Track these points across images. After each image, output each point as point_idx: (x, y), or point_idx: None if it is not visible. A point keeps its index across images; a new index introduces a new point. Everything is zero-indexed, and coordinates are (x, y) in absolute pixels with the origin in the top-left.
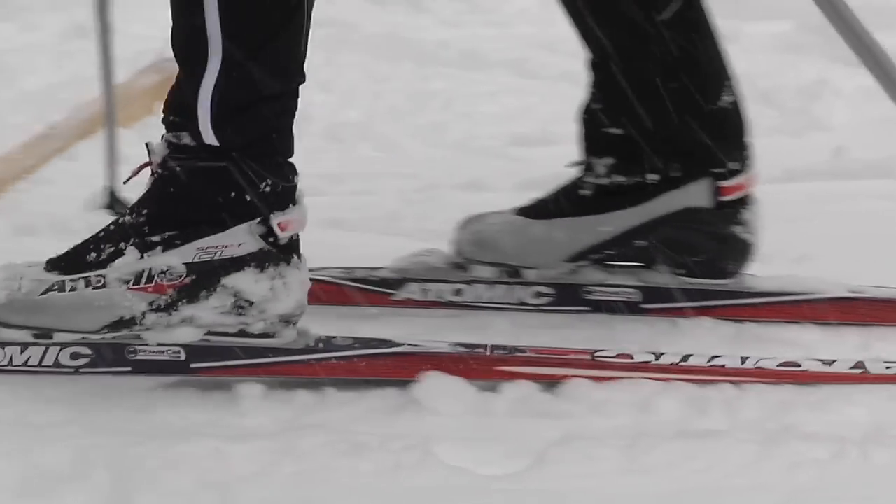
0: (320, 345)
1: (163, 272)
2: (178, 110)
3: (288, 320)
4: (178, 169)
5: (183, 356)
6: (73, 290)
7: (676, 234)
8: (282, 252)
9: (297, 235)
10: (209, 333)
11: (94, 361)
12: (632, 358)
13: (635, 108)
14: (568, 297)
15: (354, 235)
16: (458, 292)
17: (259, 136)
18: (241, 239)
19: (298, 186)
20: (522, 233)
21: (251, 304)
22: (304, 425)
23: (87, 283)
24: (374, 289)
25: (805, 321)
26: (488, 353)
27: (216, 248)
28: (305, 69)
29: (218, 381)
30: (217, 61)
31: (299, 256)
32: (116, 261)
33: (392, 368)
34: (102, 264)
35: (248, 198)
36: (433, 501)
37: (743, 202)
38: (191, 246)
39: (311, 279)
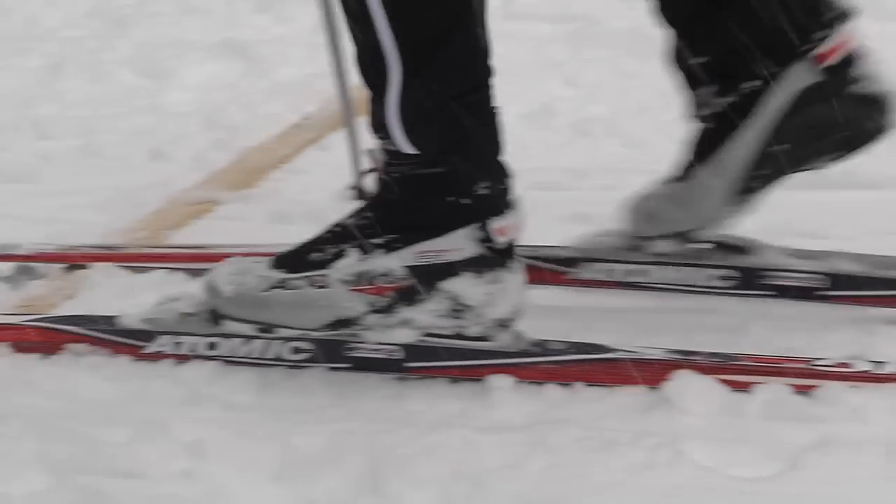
0: (535, 348)
1: (383, 275)
2: (378, 129)
3: (504, 324)
4: (396, 176)
5: (400, 355)
6: (296, 288)
7: (807, 119)
8: (500, 256)
9: (514, 240)
10: (426, 334)
11: (314, 356)
12: (849, 367)
13: (706, 25)
14: (750, 281)
15: (574, 228)
16: (644, 273)
17: (457, 138)
18: (459, 244)
19: (514, 191)
20: (683, 196)
21: (468, 307)
22: (554, 419)
23: (311, 283)
24: (561, 268)
25: None
26: (702, 361)
27: (435, 252)
28: (495, 63)
29: None
30: (397, 75)
31: (517, 261)
32: (339, 262)
33: (605, 374)
34: (325, 264)
35: (465, 202)
36: (686, 501)
37: (850, 60)
38: (410, 250)
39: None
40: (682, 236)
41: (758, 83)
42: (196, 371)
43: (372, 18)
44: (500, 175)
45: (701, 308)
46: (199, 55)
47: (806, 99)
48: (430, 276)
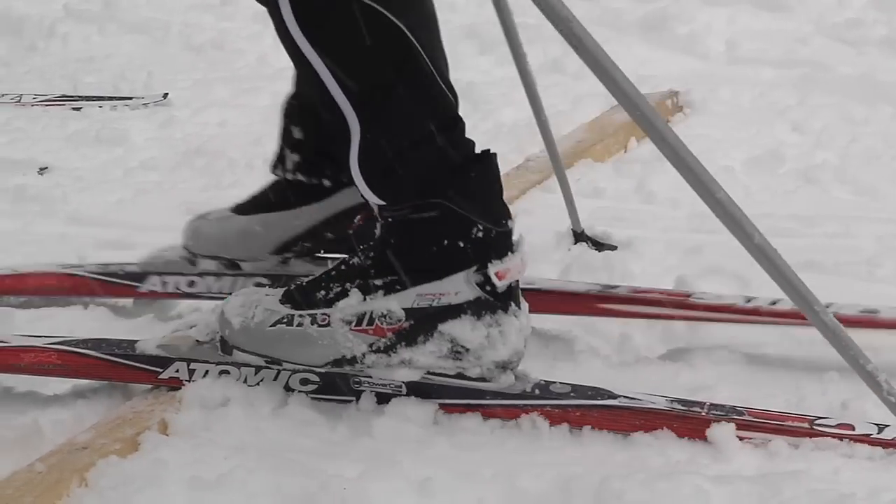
0: (536, 391)
1: (383, 315)
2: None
3: (504, 367)
4: (390, 220)
5: (404, 391)
6: (299, 325)
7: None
8: (499, 300)
9: (517, 282)
10: (428, 373)
11: (321, 388)
12: (853, 429)
13: (315, 116)
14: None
15: (829, 279)
16: (191, 284)
17: (431, 183)
18: (458, 287)
19: (515, 231)
20: (229, 227)
21: (467, 350)
22: (785, 471)
23: (313, 321)
24: (123, 282)
25: None
26: (704, 413)
27: (434, 295)
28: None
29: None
30: (357, 128)
31: (518, 304)
32: (341, 301)
33: (605, 420)
34: (329, 303)
35: (462, 246)
36: None
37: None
38: (410, 292)
39: None
40: (224, 260)
41: (330, 185)
42: (425, 410)
43: (321, 77)
44: (497, 218)
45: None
46: None
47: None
48: (429, 319)
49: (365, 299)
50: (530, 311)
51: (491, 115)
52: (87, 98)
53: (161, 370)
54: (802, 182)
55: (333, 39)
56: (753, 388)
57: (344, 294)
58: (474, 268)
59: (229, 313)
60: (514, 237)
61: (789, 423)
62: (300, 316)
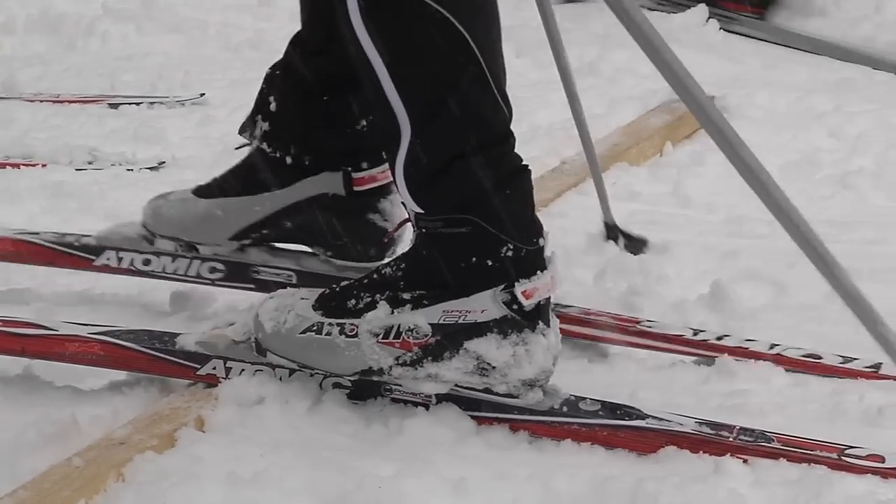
0: (564, 408)
1: (410, 329)
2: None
3: (532, 385)
4: (423, 232)
5: (434, 402)
6: (328, 334)
7: (316, 217)
8: (526, 319)
9: (547, 300)
10: (457, 386)
11: (354, 392)
12: (883, 461)
13: (295, 93)
14: (238, 274)
15: (865, 285)
16: (146, 262)
17: (466, 199)
18: (484, 305)
19: (548, 248)
20: (189, 209)
21: (493, 367)
22: (821, 476)
23: (342, 330)
24: (78, 254)
25: None
26: (732, 439)
27: (460, 312)
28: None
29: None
30: (408, 132)
31: (547, 322)
32: (369, 313)
33: (632, 441)
34: (358, 313)
35: (490, 264)
36: None
37: (379, 192)
38: (437, 308)
39: None
40: (181, 241)
41: (293, 164)
42: (454, 410)
43: (377, 75)
44: (528, 236)
45: None
46: None
47: (326, 202)
48: (455, 335)
49: (393, 312)
50: None
51: (526, 118)
52: (125, 96)
53: (199, 366)
54: (839, 188)
55: (397, 39)
56: (788, 395)
57: (373, 305)
58: (501, 286)
59: (263, 316)
60: (547, 254)
61: (818, 451)
62: (329, 325)
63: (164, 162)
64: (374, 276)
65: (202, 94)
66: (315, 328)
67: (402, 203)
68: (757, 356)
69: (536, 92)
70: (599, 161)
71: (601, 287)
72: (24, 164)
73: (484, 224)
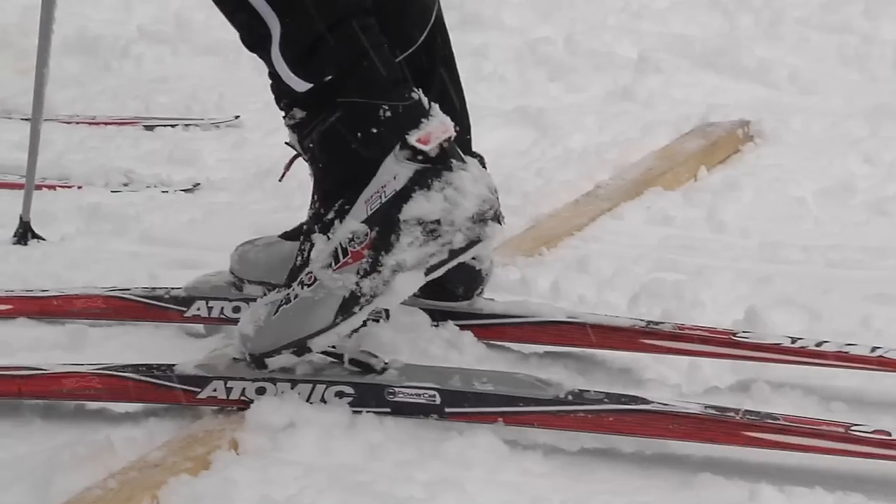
0: (570, 397)
1: (350, 240)
2: (277, 95)
3: (482, 218)
4: (310, 144)
5: (438, 400)
6: (296, 296)
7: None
8: (437, 162)
9: (450, 140)
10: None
11: (357, 401)
12: (890, 435)
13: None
14: None
15: None
16: (236, 309)
17: (344, 67)
18: (392, 172)
19: (423, 100)
20: (276, 253)
21: (437, 221)
22: None
23: (302, 285)
24: (169, 307)
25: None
26: (739, 418)
27: (378, 191)
28: None
29: None
30: (275, 21)
31: (460, 158)
32: (312, 253)
33: (638, 426)
34: (306, 262)
35: (376, 132)
36: None
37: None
38: (358, 203)
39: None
40: (269, 285)
41: None
42: (491, 436)
43: None
44: (399, 92)
45: None
46: (493, 121)
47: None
48: (387, 216)
49: (329, 237)
50: (576, 346)
51: (560, 141)
52: (160, 118)
53: (199, 390)
54: (874, 214)
55: None
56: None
57: (311, 246)
58: (397, 146)
59: (243, 329)
60: (425, 104)
61: (824, 427)
62: (291, 290)
63: (198, 184)
64: (304, 227)
65: (237, 117)
66: (283, 301)
67: (286, 143)
68: (860, 360)
69: (570, 116)
70: (633, 185)
71: (635, 312)
72: (59, 186)
73: (356, 99)
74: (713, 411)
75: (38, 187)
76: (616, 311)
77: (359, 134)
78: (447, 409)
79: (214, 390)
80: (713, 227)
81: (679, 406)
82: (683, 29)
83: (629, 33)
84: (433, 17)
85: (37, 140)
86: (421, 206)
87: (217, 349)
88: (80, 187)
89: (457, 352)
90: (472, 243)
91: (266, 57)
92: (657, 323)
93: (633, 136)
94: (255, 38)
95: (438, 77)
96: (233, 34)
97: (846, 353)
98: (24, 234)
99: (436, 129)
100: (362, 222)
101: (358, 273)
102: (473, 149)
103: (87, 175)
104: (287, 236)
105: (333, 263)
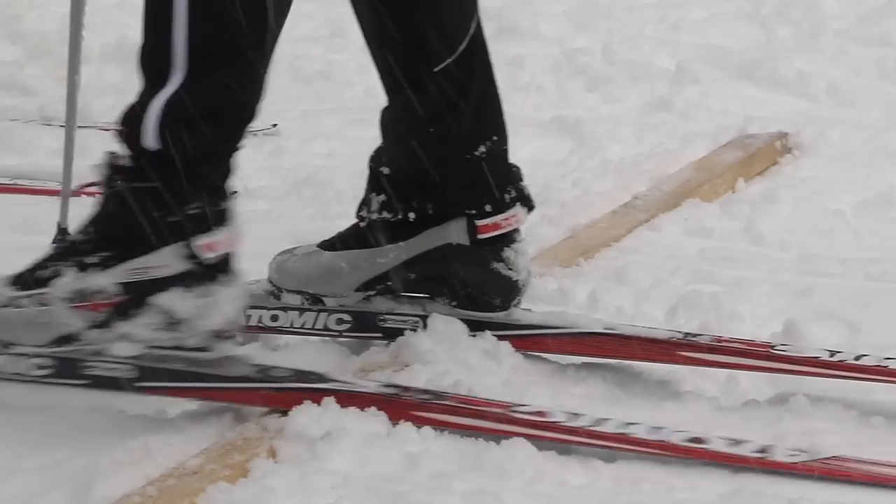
0: (257, 373)
1: (98, 291)
2: (124, 120)
3: (220, 335)
4: (113, 191)
5: (136, 374)
6: (22, 306)
7: (441, 268)
8: (210, 271)
9: (230, 254)
10: (152, 347)
11: (55, 373)
12: (543, 415)
13: (400, 150)
14: (365, 324)
15: None
16: (274, 318)
17: (198, 155)
18: (167, 260)
19: (230, 207)
20: (314, 263)
21: (180, 321)
22: None
23: (34, 301)
24: None
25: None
26: (410, 398)
27: (144, 269)
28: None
29: None
30: (180, 76)
31: (231, 275)
32: (58, 280)
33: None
34: (47, 282)
35: (172, 220)
36: None
37: (502, 240)
38: (122, 266)
39: None
40: (307, 295)
41: (414, 217)
42: (526, 445)
43: (173, 20)
44: (216, 197)
45: None
46: (530, 132)
47: (450, 252)
48: (141, 292)
49: (81, 276)
50: (613, 358)
51: (598, 152)
52: None
53: None
54: None
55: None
56: (864, 436)
57: (61, 273)
58: (183, 242)
59: None
60: (228, 214)
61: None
62: (23, 297)
63: (236, 192)
64: (64, 244)
65: (274, 125)
66: (11, 303)
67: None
68: None
69: (607, 127)
70: (671, 197)
71: (673, 324)
72: (98, 193)
73: (178, 182)
74: (388, 390)
75: (76, 194)
76: (654, 323)
77: (157, 215)
78: (142, 385)
79: None
80: (751, 239)
81: (354, 384)
82: (721, 40)
83: (667, 44)
84: (472, 28)
85: (71, 146)
86: (174, 301)
87: None
88: None
89: (495, 362)
90: (200, 350)
91: (147, 94)
92: (695, 335)
93: (671, 148)
94: (151, 67)
95: (476, 88)
96: None
97: (885, 367)
98: (63, 240)
99: (224, 240)
100: (116, 284)
101: (88, 322)
102: (510, 159)
103: None
104: (325, 246)
105: (72, 301)
